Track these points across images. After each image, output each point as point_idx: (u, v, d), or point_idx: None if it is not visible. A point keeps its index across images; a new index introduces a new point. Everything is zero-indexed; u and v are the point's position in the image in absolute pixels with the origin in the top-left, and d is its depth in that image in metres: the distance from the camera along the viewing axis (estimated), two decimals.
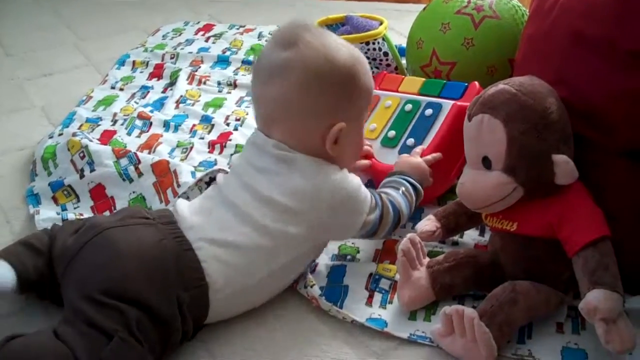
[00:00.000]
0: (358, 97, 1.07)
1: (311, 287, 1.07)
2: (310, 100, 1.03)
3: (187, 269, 0.96)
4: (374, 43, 1.41)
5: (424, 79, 1.31)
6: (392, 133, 1.26)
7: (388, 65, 1.43)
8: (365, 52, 1.40)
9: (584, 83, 1.00)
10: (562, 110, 0.98)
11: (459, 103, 1.23)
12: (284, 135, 1.05)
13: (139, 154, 1.34)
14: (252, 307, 1.05)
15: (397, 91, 1.33)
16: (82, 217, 1.24)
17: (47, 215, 1.25)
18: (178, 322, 0.94)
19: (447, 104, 1.23)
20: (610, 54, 0.96)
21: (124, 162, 1.32)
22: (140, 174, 1.30)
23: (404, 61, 1.52)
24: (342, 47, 1.06)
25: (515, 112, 0.95)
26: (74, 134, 1.42)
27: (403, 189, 1.12)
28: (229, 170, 1.20)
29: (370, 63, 1.39)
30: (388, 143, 1.25)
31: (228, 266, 0.99)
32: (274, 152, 1.04)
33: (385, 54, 1.42)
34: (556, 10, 1.05)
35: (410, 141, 1.24)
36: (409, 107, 1.28)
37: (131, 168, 1.31)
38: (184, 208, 1.05)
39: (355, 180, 1.07)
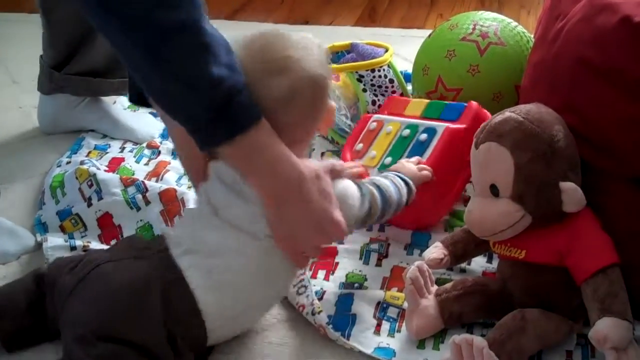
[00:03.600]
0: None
1: (319, 314, 1.07)
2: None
3: (177, 300, 0.93)
4: (379, 70, 1.42)
5: (428, 101, 1.32)
6: (388, 160, 1.26)
7: (394, 92, 1.43)
8: (371, 80, 1.41)
9: (591, 110, 1.00)
10: (570, 137, 0.98)
11: (451, 126, 1.22)
12: None
13: (146, 182, 1.34)
14: (254, 322, 1.05)
15: (402, 115, 1.34)
16: (89, 244, 1.25)
17: (56, 243, 1.25)
18: (171, 358, 0.91)
19: (441, 128, 1.23)
20: (618, 81, 0.96)
21: (131, 190, 1.33)
22: (147, 202, 1.31)
23: (409, 87, 1.53)
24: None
25: (522, 140, 0.95)
26: (82, 162, 1.42)
27: (391, 176, 1.10)
28: None
29: (376, 90, 1.41)
30: (385, 170, 1.24)
31: (221, 286, 0.95)
32: None
33: (391, 80, 1.43)
34: (562, 38, 1.06)
35: None
36: (406, 132, 1.28)
37: (139, 196, 1.32)
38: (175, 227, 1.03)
39: None
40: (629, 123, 0.96)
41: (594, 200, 0.98)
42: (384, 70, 1.43)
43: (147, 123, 1.65)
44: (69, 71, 1.58)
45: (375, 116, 1.36)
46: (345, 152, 1.33)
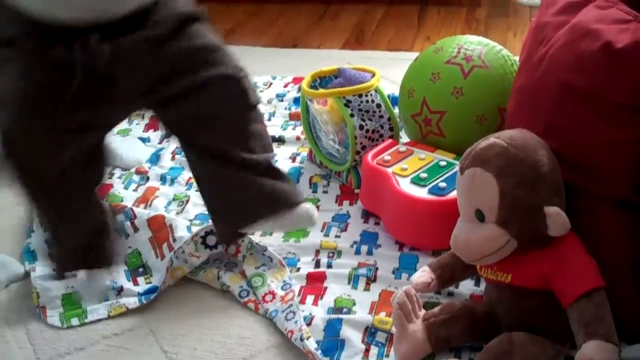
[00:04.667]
0: None
1: (307, 339, 1.07)
2: None
3: None
4: (366, 95, 1.43)
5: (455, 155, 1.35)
6: (424, 175, 1.30)
7: (381, 116, 1.44)
8: (359, 105, 1.42)
9: (574, 134, 1.01)
10: (553, 162, 0.99)
11: None
12: None
13: (135, 209, 1.34)
14: None
15: (433, 152, 1.38)
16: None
17: (44, 272, 1.25)
18: None
19: None
20: (600, 106, 0.98)
21: (120, 217, 1.33)
22: (136, 229, 1.31)
23: (396, 110, 1.54)
24: None
25: (506, 166, 0.96)
26: None
27: None
28: None
29: (363, 115, 1.42)
30: (418, 182, 1.29)
31: None
32: None
33: (378, 105, 1.44)
34: (545, 62, 1.07)
35: (443, 184, 1.27)
36: (443, 163, 1.34)
37: (127, 223, 1.32)
38: None
39: None
40: (611, 147, 0.97)
41: (578, 224, 0.99)
42: (371, 95, 1.44)
43: (136, 149, 1.66)
44: None
45: (405, 145, 1.41)
46: (367, 156, 1.37)
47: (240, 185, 1.07)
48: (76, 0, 0.90)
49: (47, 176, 1.01)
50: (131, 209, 1.35)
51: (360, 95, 1.42)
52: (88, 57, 0.92)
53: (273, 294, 1.19)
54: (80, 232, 1.14)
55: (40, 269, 1.27)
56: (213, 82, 1.00)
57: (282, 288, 1.20)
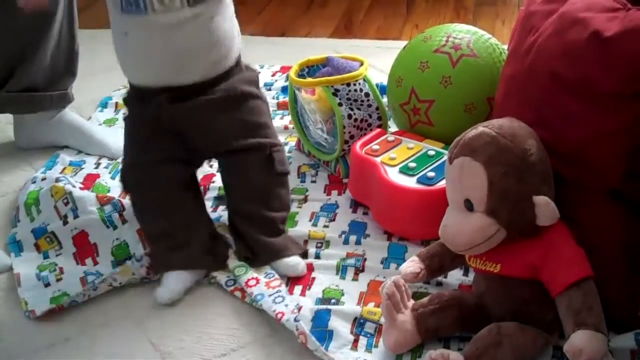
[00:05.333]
0: None
1: (300, 321, 1.08)
2: None
3: None
4: (354, 84, 1.42)
5: (443, 144, 1.35)
6: (412, 164, 1.30)
7: (369, 105, 1.44)
8: (347, 94, 1.41)
9: (563, 124, 1.01)
10: (542, 151, 0.99)
11: None
12: None
13: (123, 200, 1.33)
14: None
15: (421, 141, 1.38)
16: (62, 273, 1.25)
17: (29, 277, 1.24)
18: None
19: None
20: (589, 95, 0.97)
21: (108, 209, 1.33)
22: (124, 221, 1.31)
23: (385, 99, 1.53)
24: None
25: (495, 155, 0.96)
26: (57, 180, 1.41)
27: None
28: None
29: (352, 104, 1.41)
30: (407, 171, 1.29)
31: None
32: None
33: (367, 94, 1.43)
34: (534, 52, 1.07)
35: (431, 174, 1.26)
36: (431, 152, 1.33)
37: (115, 215, 1.31)
38: None
39: None
40: (599, 136, 0.97)
41: (567, 214, 0.98)
42: (359, 84, 1.43)
43: (121, 138, 1.64)
44: (10, 89, 1.57)
45: (394, 135, 1.41)
46: (355, 146, 1.37)
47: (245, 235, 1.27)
48: (154, 72, 1.20)
49: (155, 200, 1.25)
50: (119, 200, 1.33)
51: (348, 85, 1.41)
52: (158, 112, 1.22)
53: (257, 279, 1.19)
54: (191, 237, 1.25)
55: (25, 275, 1.25)
56: (251, 148, 1.24)
57: (265, 277, 1.20)
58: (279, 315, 1.11)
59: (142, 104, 1.24)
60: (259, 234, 1.25)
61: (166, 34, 1.17)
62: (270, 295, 1.15)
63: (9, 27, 1.49)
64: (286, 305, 1.12)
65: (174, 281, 1.20)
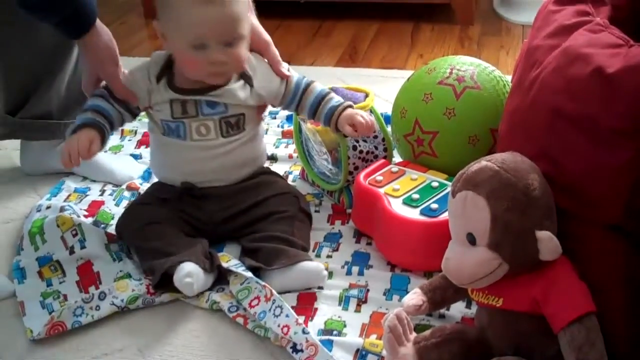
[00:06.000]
0: (166, 11, 1.24)
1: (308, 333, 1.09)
2: None
3: None
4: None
5: (447, 176, 1.35)
6: (416, 196, 1.30)
7: (375, 137, 1.45)
8: None
9: (566, 158, 1.01)
10: (545, 186, 0.99)
11: None
12: None
13: None
14: None
15: (425, 172, 1.39)
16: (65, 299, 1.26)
17: (33, 307, 1.25)
18: None
19: None
20: (592, 130, 0.97)
21: (114, 247, 1.35)
22: (130, 257, 1.32)
23: (389, 129, 1.54)
24: None
25: (498, 190, 0.96)
26: (62, 209, 1.42)
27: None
28: None
29: (357, 139, 1.42)
30: (410, 202, 1.29)
31: None
32: None
33: None
34: (537, 86, 1.07)
35: (434, 206, 1.27)
36: (435, 184, 1.34)
37: (122, 254, 1.33)
38: None
39: (142, 66, 1.33)
40: (603, 171, 0.97)
41: (570, 248, 0.99)
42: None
43: (127, 165, 1.66)
44: (24, 115, 1.58)
45: (397, 165, 1.41)
46: (359, 177, 1.37)
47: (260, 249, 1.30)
48: (187, 177, 1.35)
49: (153, 230, 1.32)
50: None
51: None
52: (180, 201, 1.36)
53: (258, 298, 1.19)
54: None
55: (29, 303, 1.25)
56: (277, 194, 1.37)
57: (261, 289, 1.20)
58: (285, 330, 1.11)
59: (166, 192, 1.37)
60: (276, 244, 1.28)
61: (202, 154, 1.33)
62: (270, 310, 1.15)
63: (30, 52, 1.51)
64: (287, 316, 1.13)
65: (185, 270, 1.20)
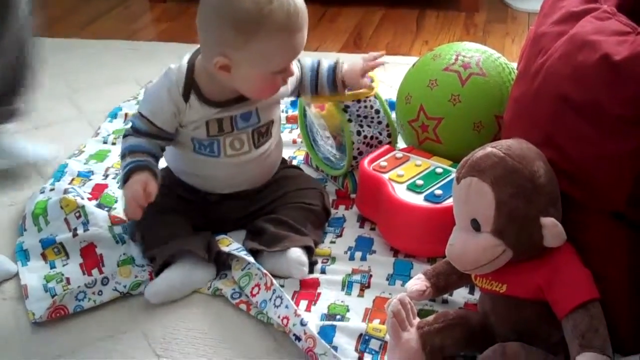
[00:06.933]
0: (251, 40, 1.16)
1: (307, 324, 1.09)
2: (206, 27, 1.19)
3: None
4: (365, 101, 1.43)
5: (451, 162, 1.35)
6: (420, 182, 1.30)
7: (379, 122, 1.44)
8: (357, 110, 1.42)
9: (571, 145, 1.01)
10: (550, 173, 0.99)
11: None
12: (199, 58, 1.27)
13: None
14: None
15: (429, 159, 1.39)
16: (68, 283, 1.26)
17: (36, 290, 1.25)
18: None
19: None
20: (598, 117, 0.97)
21: (117, 229, 1.34)
22: (134, 240, 1.32)
23: (393, 115, 1.53)
24: None
25: (503, 176, 0.96)
26: (66, 191, 1.42)
27: (127, 158, 1.23)
28: None
29: (361, 121, 1.42)
30: (414, 188, 1.29)
31: None
32: None
33: (377, 111, 1.44)
34: (543, 73, 1.07)
35: (439, 192, 1.27)
36: (439, 170, 1.34)
37: (125, 236, 1.33)
38: None
39: (160, 89, 1.25)
40: (608, 159, 0.97)
41: (574, 235, 0.99)
42: (370, 100, 1.43)
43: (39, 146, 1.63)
44: None
45: (402, 151, 1.41)
46: (363, 162, 1.37)
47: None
48: (216, 187, 1.34)
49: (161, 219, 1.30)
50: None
51: (359, 101, 1.42)
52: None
53: (258, 286, 1.19)
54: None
55: (32, 287, 1.25)
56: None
57: (261, 276, 1.20)
58: (285, 321, 1.11)
59: (186, 191, 1.35)
60: (282, 230, 1.28)
61: (235, 170, 1.31)
62: (270, 300, 1.16)
63: None
64: (287, 307, 1.13)
65: (167, 279, 1.21)
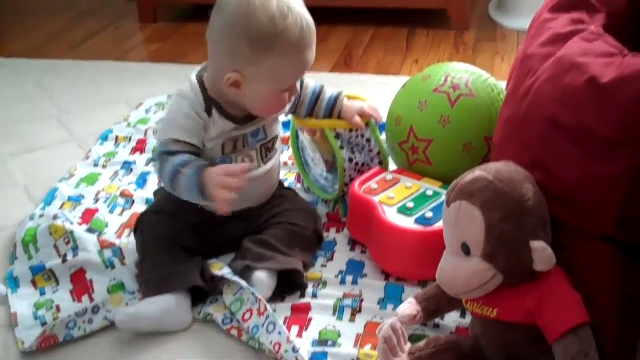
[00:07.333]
0: (265, 56, 1.17)
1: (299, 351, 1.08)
2: (219, 43, 1.20)
3: None
4: (357, 130, 1.43)
5: (442, 184, 1.35)
6: (410, 204, 1.30)
7: (371, 150, 1.45)
8: (349, 138, 1.43)
9: (560, 168, 1.01)
10: (539, 196, 0.99)
11: None
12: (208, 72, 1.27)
13: (124, 249, 1.34)
14: None
15: (420, 180, 1.39)
16: (58, 312, 1.24)
17: (25, 317, 1.24)
18: None
19: None
20: (586, 140, 0.97)
21: (107, 253, 1.34)
22: (123, 264, 1.31)
23: (383, 136, 1.53)
24: (274, 6, 1.16)
25: (492, 200, 0.96)
26: (55, 217, 1.42)
27: (182, 170, 1.20)
28: None
29: (353, 148, 1.42)
30: (405, 211, 1.29)
31: None
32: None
33: (368, 140, 1.44)
34: (531, 95, 1.07)
35: (429, 214, 1.26)
36: (429, 192, 1.34)
37: (115, 260, 1.32)
38: None
39: (178, 113, 1.24)
40: (594, 181, 0.97)
41: (564, 259, 0.98)
42: (361, 130, 1.44)
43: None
44: None
45: (392, 173, 1.41)
46: (354, 185, 1.37)
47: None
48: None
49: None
50: (120, 248, 1.34)
51: (350, 130, 1.42)
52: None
53: (250, 311, 1.19)
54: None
55: (22, 314, 1.24)
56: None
57: (254, 302, 1.19)
58: (277, 348, 1.10)
59: (192, 211, 1.30)
60: (264, 250, 1.26)
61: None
62: (263, 325, 1.15)
63: None
64: (279, 333, 1.12)
65: (146, 308, 1.19)
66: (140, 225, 1.32)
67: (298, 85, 1.28)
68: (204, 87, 1.26)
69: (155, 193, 1.44)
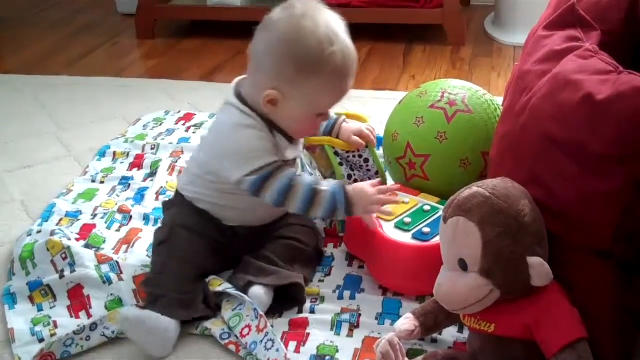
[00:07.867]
0: (308, 78, 1.18)
1: None
2: (263, 59, 1.20)
3: None
4: (356, 150, 1.44)
5: (439, 199, 1.36)
6: (408, 220, 1.31)
7: (368, 170, 1.45)
8: (347, 157, 1.44)
9: (556, 184, 1.01)
10: (536, 212, 0.99)
11: None
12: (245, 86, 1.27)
13: (121, 263, 1.35)
14: None
15: (417, 196, 1.39)
16: (55, 329, 1.24)
17: (23, 334, 1.24)
18: None
19: None
20: (582, 157, 0.98)
21: (105, 268, 1.34)
22: (121, 279, 1.31)
23: (380, 151, 1.54)
24: (323, 30, 1.17)
25: (489, 216, 0.96)
26: (53, 233, 1.42)
27: (320, 188, 1.21)
28: None
29: (352, 166, 1.43)
30: (402, 226, 1.29)
31: None
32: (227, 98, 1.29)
33: (366, 160, 1.45)
34: (527, 112, 1.08)
35: (426, 230, 1.27)
36: (427, 207, 1.34)
37: (112, 275, 1.32)
38: None
39: (252, 143, 1.22)
40: (590, 197, 0.98)
41: (561, 274, 0.99)
42: (360, 150, 1.44)
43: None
44: None
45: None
46: None
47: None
48: (240, 221, 1.33)
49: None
50: (117, 262, 1.35)
51: (348, 150, 1.43)
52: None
53: (249, 327, 1.19)
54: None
55: (19, 331, 1.24)
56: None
57: (254, 318, 1.19)
58: None
59: (211, 228, 1.31)
60: (265, 264, 1.27)
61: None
62: (261, 342, 1.15)
63: None
64: (277, 351, 1.12)
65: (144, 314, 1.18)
66: (162, 237, 1.29)
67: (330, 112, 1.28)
68: (254, 110, 1.24)
69: (165, 204, 1.42)
